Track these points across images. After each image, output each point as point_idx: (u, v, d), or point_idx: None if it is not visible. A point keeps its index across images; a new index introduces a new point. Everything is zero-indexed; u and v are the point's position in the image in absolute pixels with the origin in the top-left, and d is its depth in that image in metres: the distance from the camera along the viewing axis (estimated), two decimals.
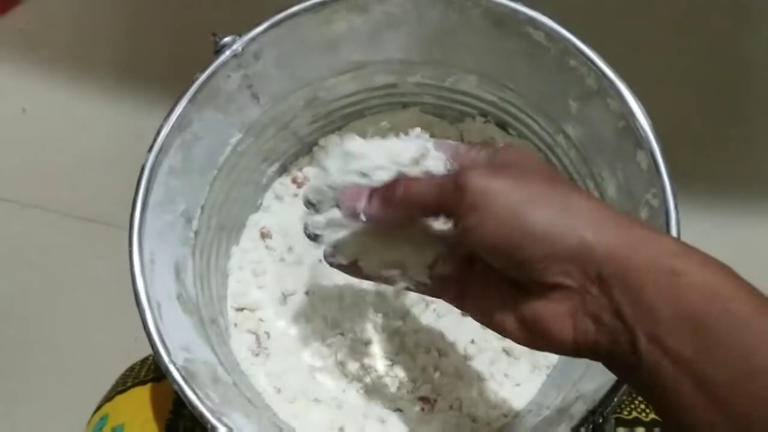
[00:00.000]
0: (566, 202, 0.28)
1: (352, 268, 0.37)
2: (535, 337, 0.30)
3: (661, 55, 0.80)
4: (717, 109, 0.79)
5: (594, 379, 0.44)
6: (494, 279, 0.31)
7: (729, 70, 0.81)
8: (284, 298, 0.53)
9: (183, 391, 0.38)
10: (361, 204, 0.33)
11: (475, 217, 0.28)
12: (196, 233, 0.48)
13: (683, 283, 0.25)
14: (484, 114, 0.56)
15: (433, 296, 0.36)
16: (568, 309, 0.28)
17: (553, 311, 0.28)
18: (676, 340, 0.25)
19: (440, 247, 0.34)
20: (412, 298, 0.53)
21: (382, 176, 0.33)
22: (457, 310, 0.51)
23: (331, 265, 0.37)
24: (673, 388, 0.25)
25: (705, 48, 0.81)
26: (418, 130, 0.56)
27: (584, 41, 0.44)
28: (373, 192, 0.33)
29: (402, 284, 0.35)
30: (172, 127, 0.43)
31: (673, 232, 0.40)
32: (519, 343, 0.31)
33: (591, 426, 0.37)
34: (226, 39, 0.45)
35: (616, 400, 0.38)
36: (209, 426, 0.37)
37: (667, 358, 0.25)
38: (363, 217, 0.32)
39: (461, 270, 0.34)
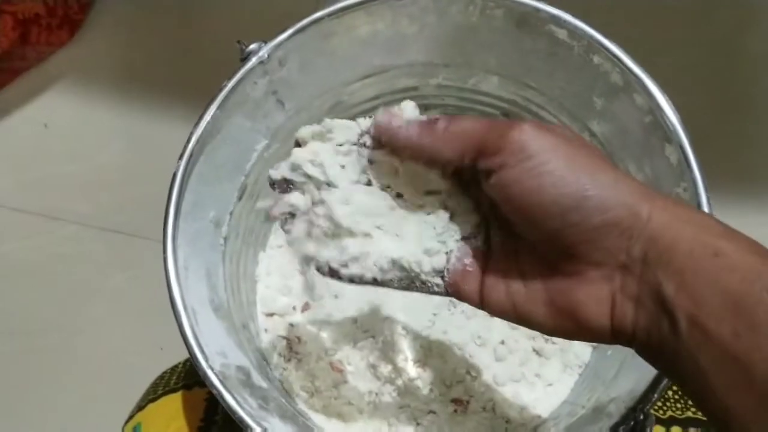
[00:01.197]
0: (620, 179, 0.27)
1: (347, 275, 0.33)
2: (567, 323, 0.28)
3: (675, 50, 0.79)
4: (734, 105, 0.79)
5: (628, 377, 0.43)
6: (517, 265, 0.30)
7: (746, 65, 0.81)
8: (313, 302, 0.53)
9: (222, 396, 0.38)
10: (397, 123, 0.29)
11: (525, 167, 0.26)
12: (226, 239, 0.49)
13: (726, 264, 0.24)
14: (506, 114, 0.56)
15: (447, 295, 0.32)
16: (607, 292, 0.27)
17: (590, 293, 0.27)
18: (716, 323, 0.24)
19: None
20: (441, 299, 0.53)
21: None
22: (485, 313, 0.51)
23: (323, 274, 0.33)
24: (713, 371, 0.24)
25: (719, 42, 0.81)
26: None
27: (608, 37, 0.44)
28: (412, 121, 0.30)
29: (401, 284, 0.32)
30: (201, 134, 0.43)
31: None
32: (546, 332, 0.29)
33: (632, 423, 0.37)
34: (252, 46, 0.45)
35: (656, 395, 0.37)
36: (249, 430, 0.38)
37: (707, 341, 0.24)
38: (397, 137, 0.29)
39: (479, 261, 0.31)
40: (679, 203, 0.27)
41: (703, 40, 0.81)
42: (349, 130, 0.32)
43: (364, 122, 0.32)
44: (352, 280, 0.32)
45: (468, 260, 0.31)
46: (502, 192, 0.27)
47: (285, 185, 0.33)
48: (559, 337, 0.30)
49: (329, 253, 0.32)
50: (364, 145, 0.32)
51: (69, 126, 0.88)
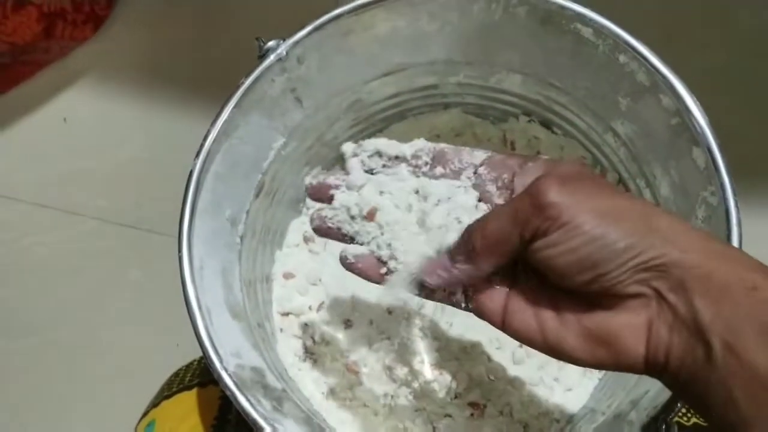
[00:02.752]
0: (648, 217, 0.27)
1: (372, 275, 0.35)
2: (601, 353, 0.29)
3: (701, 50, 0.78)
4: (762, 105, 0.77)
5: (650, 384, 0.42)
6: (548, 296, 0.30)
7: None
8: (329, 302, 0.53)
9: (235, 397, 0.38)
10: (445, 275, 0.31)
11: (560, 234, 0.27)
12: (242, 238, 0.48)
13: (763, 297, 0.25)
14: (528, 113, 0.55)
15: (468, 310, 0.33)
16: (644, 319, 0.27)
17: (626, 322, 0.28)
18: (753, 354, 0.25)
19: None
20: None
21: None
22: None
23: (349, 268, 0.36)
24: (746, 401, 0.25)
25: (746, 42, 0.79)
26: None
27: (635, 36, 0.43)
28: (451, 256, 0.31)
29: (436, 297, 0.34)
30: (218, 132, 0.43)
31: (734, 231, 0.39)
32: (575, 362, 0.30)
33: None
34: (270, 43, 0.44)
35: (679, 404, 0.36)
36: None
37: (742, 371, 0.25)
38: (456, 286, 0.32)
39: (506, 281, 0.32)
40: (710, 238, 0.28)
41: (730, 39, 0.79)
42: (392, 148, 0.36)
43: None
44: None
45: (495, 279, 0.32)
46: (541, 256, 0.28)
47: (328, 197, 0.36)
48: (593, 366, 0.30)
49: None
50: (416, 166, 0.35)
51: (89, 121, 0.88)
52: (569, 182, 0.28)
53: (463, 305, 0.33)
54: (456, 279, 0.31)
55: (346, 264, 0.35)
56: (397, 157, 0.35)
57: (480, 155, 0.33)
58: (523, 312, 0.31)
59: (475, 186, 0.33)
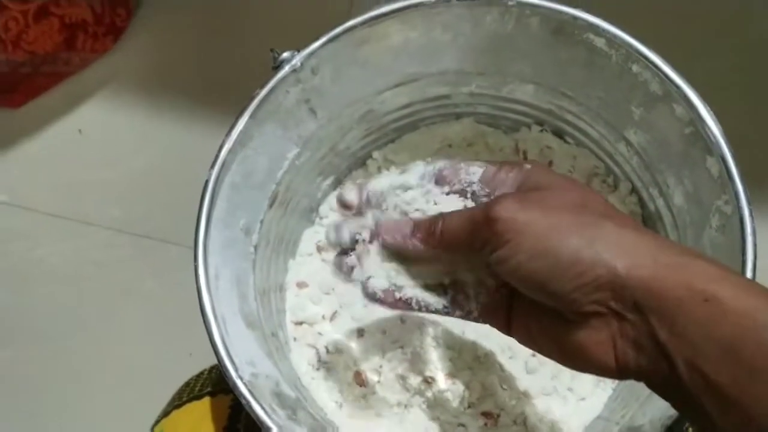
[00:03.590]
0: (594, 232, 0.27)
1: (393, 303, 0.36)
2: (579, 364, 0.30)
3: (715, 57, 0.78)
4: None
5: None
6: (535, 308, 0.31)
7: None
8: (342, 311, 0.53)
9: (250, 406, 0.38)
10: (401, 239, 0.33)
11: (506, 249, 0.28)
12: (256, 247, 0.48)
13: (716, 310, 0.25)
14: (540, 123, 0.55)
15: (479, 322, 0.35)
16: (607, 336, 0.28)
17: (592, 338, 0.28)
18: (714, 369, 0.24)
19: (482, 277, 0.34)
20: None
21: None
22: None
23: (372, 299, 0.36)
24: (717, 415, 0.24)
25: (760, 47, 0.79)
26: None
27: (647, 46, 0.43)
28: (415, 228, 0.33)
29: (445, 311, 0.35)
30: (234, 142, 0.43)
31: (749, 241, 0.39)
32: (569, 368, 0.31)
33: None
34: (285, 54, 0.45)
35: None
36: None
37: (708, 387, 0.24)
38: (407, 251, 0.33)
39: (506, 298, 0.33)
40: (667, 247, 0.27)
41: (744, 45, 0.79)
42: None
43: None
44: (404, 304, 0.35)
45: (498, 293, 0.33)
46: (497, 270, 0.30)
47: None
48: (579, 371, 0.30)
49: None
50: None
51: (103, 132, 0.89)
52: (528, 198, 0.29)
53: (472, 316, 0.34)
54: (406, 249, 0.33)
55: (374, 298, 0.36)
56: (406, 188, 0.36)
57: (476, 171, 0.33)
58: (521, 322, 0.32)
59: (474, 201, 0.33)
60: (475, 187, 0.33)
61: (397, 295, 0.35)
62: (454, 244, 0.31)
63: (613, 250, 0.27)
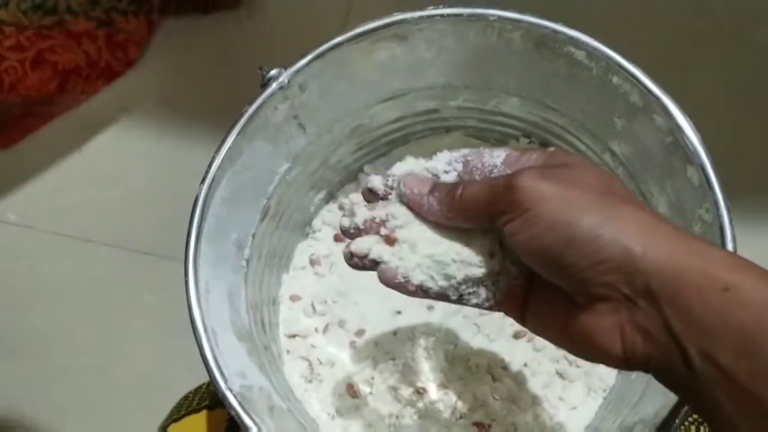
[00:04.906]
0: (615, 211, 0.27)
1: (412, 291, 0.34)
2: (586, 352, 0.29)
3: (702, 69, 0.78)
4: (760, 122, 0.78)
5: (654, 401, 0.42)
6: (548, 294, 0.30)
7: None
8: (335, 324, 0.54)
9: (240, 418, 0.38)
10: (419, 196, 0.33)
11: (524, 219, 0.28)
12: (248, 261, 0.49)
13: (736, 299, 0.24)
14: (527, 135, 0.56)
15: (493, 310, 0.34)
16: (615, 322, 0.27)
17: (601, 324, 0.28)
18: (729, 359, 0.24)
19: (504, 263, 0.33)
20: (463, 322, 0.52)
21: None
22: (507, 334, 0.51)
23: (354, 266, 0.36)
24: (732, 408, 0.24)
25: (748, 61, 0.80)
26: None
27: (626, 58, 0.44)
28: (435, 187, 0.33)
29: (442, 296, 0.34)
30: (223, 158, 0.44)
31: (729, 247, 0.39)
32: (574, 355, 0.30)
33: None
34: (272, 72, 0.46)
35: (677, 421, 0.37)
36: None
37: (723, 378, 0.24)
38: (421, 209, 0.33)
39: (523, 287, 0.33)
40: (686, 236, 0.27)
41: (729, 56, 0.80)
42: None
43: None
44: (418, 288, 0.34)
45: (519, 280, 0.33)
46: (511, 241, 0.29)
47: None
48: (589, 361, 0.30)
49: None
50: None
51: (103, 152, 0.90)
52: (550, 173, 0.29)
53: (487, 304, 0.33)
54: (421, 207, 0.33)
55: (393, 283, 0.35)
56: (433, 174, 0.35)
57: (500, 154, 0.33)
58: (535, 312, 0.32)
59: None
60: (499, 170, 0.33)
61: (416, 282, 0.34)
62: (471, 209, 0.31)
63: (632, 231, 0.26)
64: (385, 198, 0.35)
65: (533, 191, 0.28)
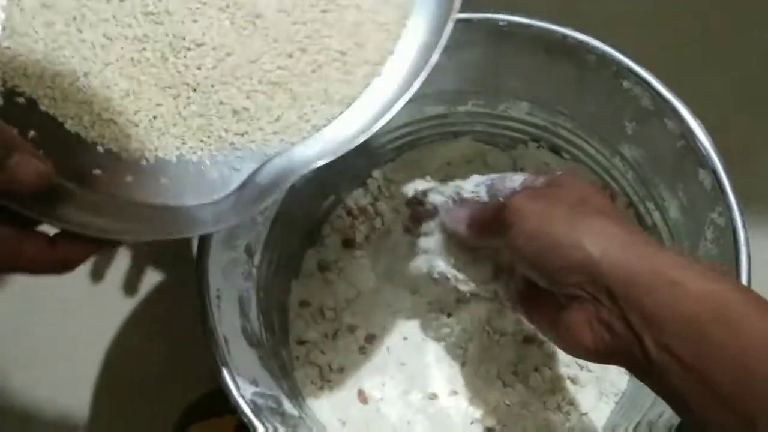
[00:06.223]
0: (582, 222, 0.31)
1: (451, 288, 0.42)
2: (569, 346, 0.33)
3: (712, 71, 0.78)
4: None
5: (667, 405, 0.42)
6: (545, 297, 0.34)
7: None
8: (344, 329, 0.54)
9: (253, 425, 0.38)
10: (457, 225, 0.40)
11: (512, 232, 0.33)
12: (258, 268, 0.49)
13: (681, 291, 0.28)
14: (536, 139, 0.56)
15: (515, 311, 0.40)
16: (585, 317, 0.31)
17: (575, 320, 0.31)
18: (679, 346, 0.27)
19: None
20: (474, 328, 0.52)
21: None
22: (518, 340, 0.51)
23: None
24: (685, 389, 0.27)
25: (759, 63, 0.80)
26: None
27: (637, 62, 0.44)
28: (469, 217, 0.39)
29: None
30: None
31: (743, 252, 0.39)
32: (568, 353, 0.34)
33: None
34: None
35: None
36: None
37: (675, 363, 0.27)
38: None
39: (526, 290, 0.37)
40: (642, 242, 0.31)
41: (740, 58, 0.80)
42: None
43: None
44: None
45: (521, 285, 0.38)
46: (508, 250, 0.35)
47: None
48: (575, 357, 0.35)
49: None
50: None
51: None
52: (540, 194, 0.34)
53: (510, 304, 0.39)
54: (458, 233, 0.40)
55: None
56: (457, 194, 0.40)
57: (519, 178, 0.37)
58: (537, 312, 0.36)
59: None
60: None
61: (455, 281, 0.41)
62: (483, 228, 0.37)
63: (592, 238, 0.30)
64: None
65: (519, 210, 0.33)
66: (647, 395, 0.47)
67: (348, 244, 0.56)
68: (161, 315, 0.83)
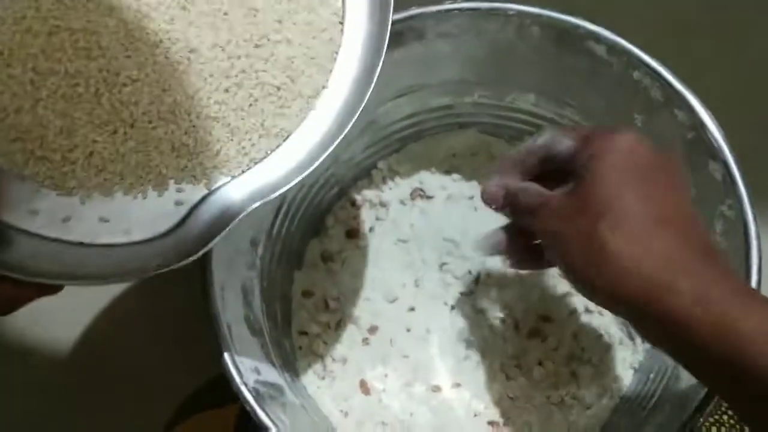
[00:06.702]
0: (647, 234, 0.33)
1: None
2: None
3: (721, 63, 0.78)
4: None
5: (671, 401, 0.42)
6: None
7: None
8: (347, 320, 0.53)
9: (255, 413, 0.38)
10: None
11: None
12: (262, 258, 0.49)
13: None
14: None
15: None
16: None
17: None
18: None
19: None
20: (476, 320, 0.52)
21: None
22: (521, 333, 0.51)
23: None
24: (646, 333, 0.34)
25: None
26: None
27: (647, 53, 0.43)
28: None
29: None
30: None
31: (753, 245, 0.39)
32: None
33: None
34: None
35: (702, 419, 0.36)
36: None
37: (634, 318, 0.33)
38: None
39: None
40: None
41: (750, 51, 0.79)
42: None
43: None
44: None
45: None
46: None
47: None
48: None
49: None
50: None
51: None
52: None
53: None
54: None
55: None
56: None
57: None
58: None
59: None
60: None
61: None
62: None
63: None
64: None
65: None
66: (651, 391, 0.46)
67: (352, 234, 0.56)
68: (161, 312, 0.83)
